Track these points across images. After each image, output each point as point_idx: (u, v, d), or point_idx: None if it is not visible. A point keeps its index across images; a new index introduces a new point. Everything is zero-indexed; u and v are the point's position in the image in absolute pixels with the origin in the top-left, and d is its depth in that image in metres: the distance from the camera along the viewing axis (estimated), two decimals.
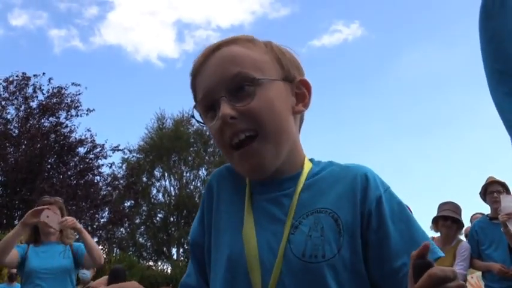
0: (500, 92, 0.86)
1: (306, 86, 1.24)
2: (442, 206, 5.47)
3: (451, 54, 35.95)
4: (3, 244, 3.82)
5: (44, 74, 19.71)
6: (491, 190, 5.11)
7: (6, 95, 19.37)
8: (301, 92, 1.22)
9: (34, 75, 19.60)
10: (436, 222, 5.28)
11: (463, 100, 35.62)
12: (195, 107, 1.22)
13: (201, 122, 1.23)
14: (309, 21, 37.19)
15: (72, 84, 20.06)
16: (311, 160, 1.25)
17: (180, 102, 34.26)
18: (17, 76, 19.39)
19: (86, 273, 8.16)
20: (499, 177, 5.17)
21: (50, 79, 19.72)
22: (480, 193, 5.23)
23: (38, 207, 3.88)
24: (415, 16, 37.77)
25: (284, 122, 1.16)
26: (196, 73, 1.22)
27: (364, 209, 1.10)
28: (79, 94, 20.19)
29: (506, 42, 0.85)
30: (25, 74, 19.48)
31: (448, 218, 5.27)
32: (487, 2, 0.90)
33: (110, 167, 21.71)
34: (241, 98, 1.13)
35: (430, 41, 36.98)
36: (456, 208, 5.46)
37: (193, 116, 1.23)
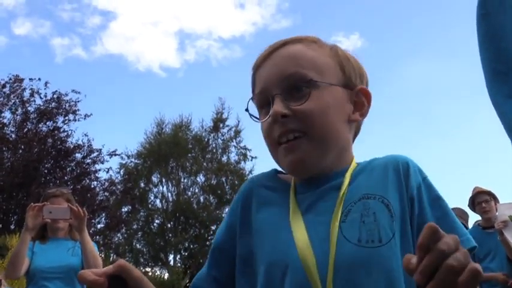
0: (500, 93, 0.81)
1: (366, 95, 1.22)
2: None
3: (451, 66, 36.17)
4: (13, 258, 3.49)
5: (39, 79, 19.65)
6: (478, 201, 5.17)
7: (1, 99, 19.29)
8: (360, 101, 1.21)
9: (30, 79, 19.55)
10: None
11: (462, 111, 35.81)
12: (251, 99, 1.22)
13: (254, 116, 1.24)
14: (309, 32, 36.01)
15: (72, 91, 20.05)
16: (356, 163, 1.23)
17: (181, 111, 34.44)
18: (10, 79, 19.31)
19: None
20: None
21: (46, 83, 19.67)
22: (468, 205, 5.29)
23: (35, 205, 3.54)
24: (414, 28, 37.95)
25: (335, 129, 1.15)
26: (257, 67, 1.24)
27: (408, 194, 1.11)
28: (78, 101, 20.16)
29: (508, 42, 0.80)
30: (18, 76, 19.42)
31: None
32: None
33: (107, 172, 21.67)
34: (296, 98, 1.14)
35: (429, 53, 37.19)
36: (462, 213, 5.62)
37: (247, 110, 1.22)
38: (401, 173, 1.13)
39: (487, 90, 0.84)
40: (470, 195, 5.26)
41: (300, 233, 1.09)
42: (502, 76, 0.80)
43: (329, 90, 1.15)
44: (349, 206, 1.09)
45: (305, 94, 1.13)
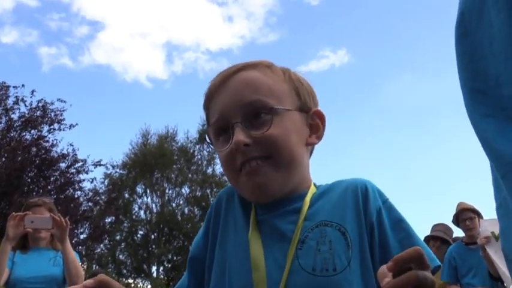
0: (478, 112, 0.81)
1: (320, 117, 1.23)
2: (434, 227, 5.73)
3: (435, 85, 36.56)
4: None
5: (23, 85, 19.48)
6: (463, 218, 5.18)
7: None
8: (315, 123, 1.21)
9: (14, 87, 19.38)
10: (427, 242, 5.42)
11: (446, 129, 36.07)
12: (207, 130, 1.22)
13: (211, 145, 1.23)
14: (297, 46, 37.60)
15: (58, 100, 19.90)
16: (314, 185, 1.23)
17: (167, 122, 34.39)
18: None
19: None
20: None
21: (33, 91, 19.49)
22: (453, 221, 5.35)
23: (17, 214, 3.49)
24: (401, 44, 38.33)
25: (297, 154, 1.15)
26: (211, 95, 1.21)
27: (367, 221, 1.11)
28: (64, 110, 20.01)
29: (486, 60, 0.79)
30: (4, 83, 19.25)
31: (438, 238, 5.45)
32: (463, 18, 0.84)
33: (92, 182, 21.48)
34: (256, 125, 1.12)
35: (414, 71, 37.64)
36: (447, 229, 5.72)
37: (205, 139, 1.20)
38: (360, 199, 1.13)
39: (466, 109, 0.84)
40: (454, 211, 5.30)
41: (257, 259, 1.10)
42: (480, 95, 0.80)
43: (288, 115, 1.15)
44: (306, 232, 1.10)
45: (265, 121, 1.12)
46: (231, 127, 1.13)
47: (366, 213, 1.11)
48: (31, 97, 19.53)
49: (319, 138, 1.23)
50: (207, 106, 1.23)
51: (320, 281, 1.03)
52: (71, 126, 20.08)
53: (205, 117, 1.27)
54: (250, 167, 1.12)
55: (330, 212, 1.12)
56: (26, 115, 19.46)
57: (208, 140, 1.22)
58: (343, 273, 1.04)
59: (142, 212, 28.25)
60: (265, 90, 1.15)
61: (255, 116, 1.13)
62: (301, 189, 1.19)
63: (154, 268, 27.29)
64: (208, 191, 27.77)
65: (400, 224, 1.12)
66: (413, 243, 1.07)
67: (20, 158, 18.80)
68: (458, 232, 5.86)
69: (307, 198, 1.16)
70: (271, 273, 1.07)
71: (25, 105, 19.53)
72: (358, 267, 1.05)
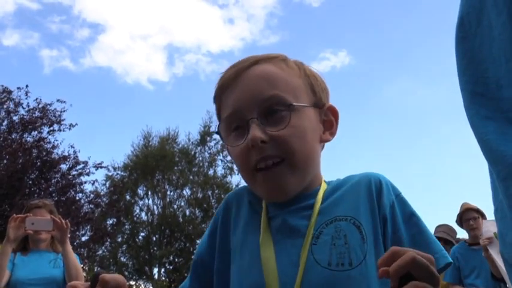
0: (478, 115, 0.81)
1: (334, 113, 1.21)
2: (437, 228, 5.74)
3: (436, 87, 36.55)
4: None
5: (27, 86, 19.49)
6: (466, 218, 5.19)
7: None
8: (329, 120, 1.19)
9: (18, 88, 19.41)
10: None
11: (446, 130, 36.05)
12: (218, 124, 1.17)
13: (222, 140, 1.19)
14: (297, 48, 37.44)
15: (58, 100, 19.90)
16: (324, 181, 1.22)
17: (168, 124, 34.38)
18: None
19: None
20: (474, 203, 5.25)
21: (27, 92, 19.46)
22: (456, 221, 5.34)
23: (17, 216, 3.51)
24: (402, 48, 38.15)
25: (312, 153, 1.14)
26: (224, 88, 1.16)
27: (380, 214, 1.09)
28: (64, 111, 20.02)
29: (486, 63, 0.79)
30: (7, 88, 19.25)
31: (441, 239, 5.49)
32: (463, 21, 0.84)
33: (93, 184, 21.48)
34: (272, 122, 1.09)
35: (415, 73, 37.51)
36: (450, 230, 5.72)
37: (217, 132, 1.17)
38: (373, 192, 1.12)
39: (465, 112, 0.84)
40: (458, 211, 5.30)
41: (267, 256, 1.09)
42: (480, 97, 0.80)
43: (304, 112, 1.13)
44: (320, 228, 1.09)
45: (282, 118, 1.09)
46: (246, 123, 1.10)
47: (379, 206, 1.10)
48: (26, 98, 19.53)
49: (333, 134, 1.21)
50: (219, 99, 1.19)
51: (336, 275, 1.02)
52: (71, 126, 20.10)
53: (215, 109, 1.22)
54: (265, 166, 1.10)
55: (344, 207, 1.11)
56: (25, 117, 19.47)
57: (219, 134, 1.18)
58: (359, 267, 1.03)
59: (143, 214, 28.23)
60: (282, 85, 1.12)
61: (271, 112, 1.10)
62: (314, 187, 1.18)
63: (155, 270, 27.29)
64: (209, 192, 27.73)
65: (412, 219, 1.12)
66: (424, 239, 1.10)
67: (21, 160, 18.81)
68: (462, 233, 5.86)
69: (320, 195, 1.15)
70: (284, 270, 1.06)
71: (22, 107, 19.55)
72: (373, 261, 1.04)
